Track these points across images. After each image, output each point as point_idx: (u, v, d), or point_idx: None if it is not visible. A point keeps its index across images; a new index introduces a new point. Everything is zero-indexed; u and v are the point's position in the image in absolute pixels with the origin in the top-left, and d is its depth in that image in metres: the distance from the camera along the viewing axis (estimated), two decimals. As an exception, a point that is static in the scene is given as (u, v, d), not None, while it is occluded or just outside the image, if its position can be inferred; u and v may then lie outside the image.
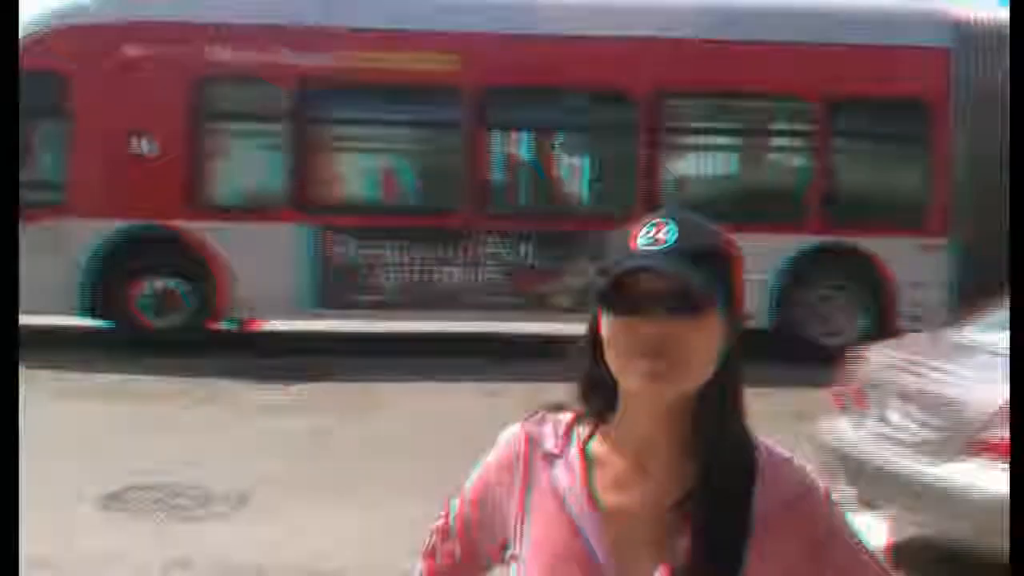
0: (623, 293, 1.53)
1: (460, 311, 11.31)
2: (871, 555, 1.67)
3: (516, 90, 11.43)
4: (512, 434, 1.70)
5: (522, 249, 11.29)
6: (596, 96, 11.80)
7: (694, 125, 12.54)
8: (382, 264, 11.16)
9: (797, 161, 12.57)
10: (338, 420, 8.43)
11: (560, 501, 1.60)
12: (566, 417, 1.67)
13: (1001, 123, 11.01)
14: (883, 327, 10.86)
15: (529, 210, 11.91)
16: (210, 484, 6.61)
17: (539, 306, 11.16)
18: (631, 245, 1.54)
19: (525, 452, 1.66)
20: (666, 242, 1.52)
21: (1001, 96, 11.04)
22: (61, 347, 11.11)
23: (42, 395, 8.81)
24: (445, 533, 1.79)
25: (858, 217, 11.40)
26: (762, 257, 10.68)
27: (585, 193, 12.70)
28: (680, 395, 1.54)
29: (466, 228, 11.16)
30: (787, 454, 1.63)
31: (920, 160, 11.84)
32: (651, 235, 1.53)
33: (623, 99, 11.44)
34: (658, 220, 1.55)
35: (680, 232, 1.53)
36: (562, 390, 1.68)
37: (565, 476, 1.61)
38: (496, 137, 12.03)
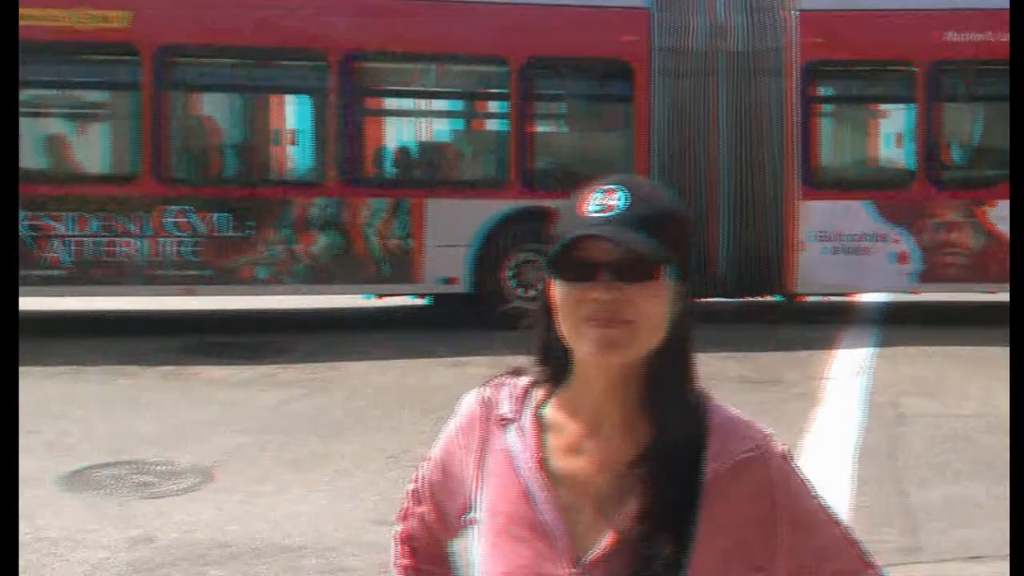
0: (573, 260, 1.53)
1: (148, 285, 10.60)
2: (832, 516, 1.67)
3: (197, 50, 10.74)
4: (470, 398, 1.71)
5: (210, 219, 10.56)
6: (287, 58, 11.20)
7: (390, 88, 12.13)
8: (55, 237, 10.30)
9: (496, 124, 12.14)
10: (303, 395, 8.40)
11: (513, 465, 1.61)
12: (524, 382, 1.68)
13: (701, 84, 11.19)
14: None
15: (217, 178, 11.17)
16: (175, 460, 6.58)
17: (232, 278, 10.64)
18: (580, 211, 1.55)
19: (481, 417, 1.67)
20: (616, 208, 1.53)
21: (702, 57, 11.17)
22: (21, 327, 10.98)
23: (2, 374, 8.71)
24: (416, 497, 1.81)
25: (559, 180, 10.71)
26: (463, 222, 10.65)
27: (279, 160, 12.14)
28: (631, 360, 1.55)
29: (146, 197, 10.46)
30: (742, 416, 1.64)
31: (622, 123, 11.54)
32: (601, 201, 1.54)
33: (316, 62, 10.81)
34: (608, 186, 1.56)
35: (630, 198, 1.54)
36: (527, 358, 1.68)
37: (518, 441, 1.62)
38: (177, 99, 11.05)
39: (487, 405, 1.68)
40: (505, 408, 1.66)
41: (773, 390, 8.53)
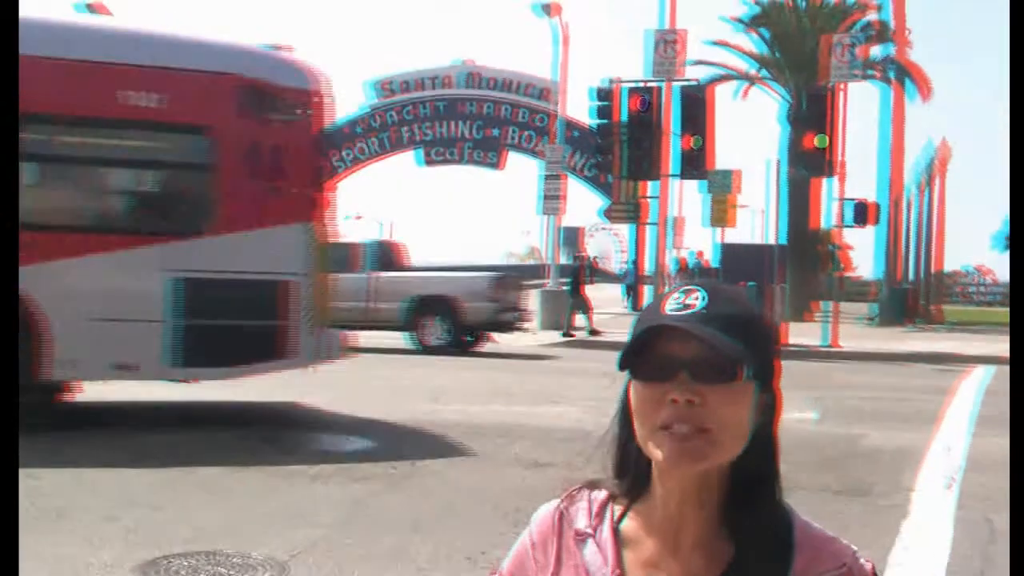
0: (650, 357, 1.49)
1: None
2: None
3: None
4: (545, 512, 1.67)
5: None
6: None
7: None
8: None
9: None
10: (381, 490, 8.36)
11: None
12: (600, 495, 1.63)
13: None
14: None
15: None
16: (250, 552, 6.55)
17: None
18: (661, 310, 1.52)
19: (558, 530, 1.63)
20: (696, 308, 1.50)
21: None
22: (105, 410, 11.18)
23: (83, 458, 8.82)
24: None
25: None
26: None
27: None
28: (710, 469, 1.50)
29: None
30: (827, 533, 1.58)
31: None
32: (681, 301, 1.51)
33: None
34: (689, 287, 1.54)
35: (710, 299, 1.51)
36: (604, 466, 1.64)
37: (596, 557, 1.57)
38: None
39: (562, 519, 1.63)
40: (582, 522, 1.61)
41: (858, 502, 8.31)
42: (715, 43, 38.79)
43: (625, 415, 1.55)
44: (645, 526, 1.57)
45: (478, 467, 9.27)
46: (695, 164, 24.96)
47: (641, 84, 25.17)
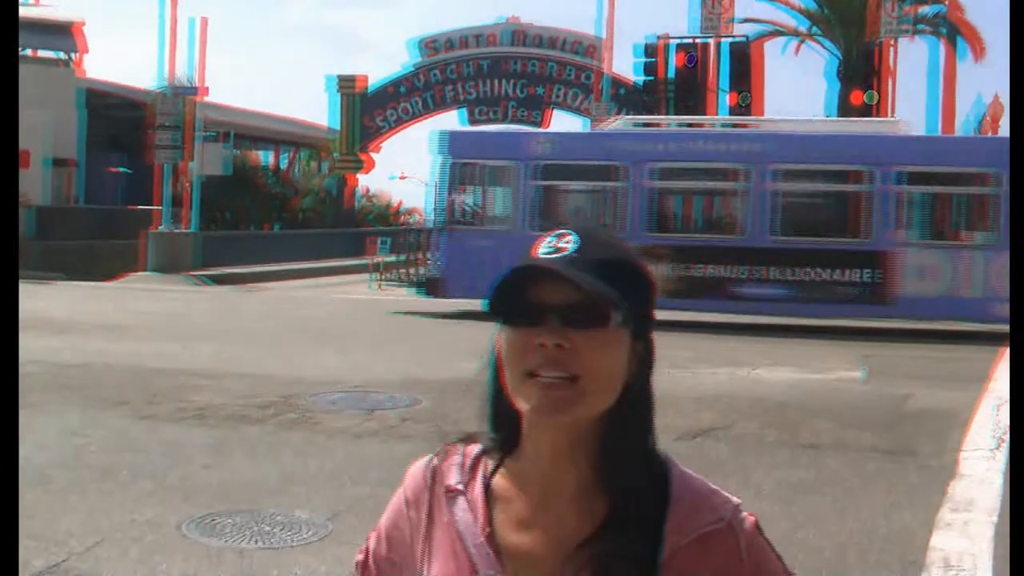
0: (518, 302, 1.43)
1: None
2: None
3: None
4: (417, 468, 1.62)
5: None
6: None
7: None
8: None
9: None
10: (426, 448, 8.35)
11: (460, 541, 1.51)
12: (475, 449, 1.58)
13: None
14: None
15: None
16: (295, 511, 6.58)
17: None
18: (531, 254, 1.46)
19: (430, 487, 1.57)
20: (568, 251, 1.44)
21: None
22: (155, 374, 11.28)
23: (132, 419, 8.90)
24: (364, 569, 1.69)
25: None
26: None
27: None
28: (581, 420, 1.44)
29: None
30: (708, 485, 1.51)
31: None
32: (552, 244, 1.46)
33: None
34: (562, 231, 1.48)
35: (583, 242, 1.45)
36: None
37: (467, 515, 1.52)
38: None
39: (434, 475, 1.58)
40: (453, 479, 1.56)
41: (906, 462, 8.22)
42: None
43: (496, 365, 1.49)
44: (518, 482, 1.51)
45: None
46: (742, 121, 24.70)
47: (688, 40, 24.92)
